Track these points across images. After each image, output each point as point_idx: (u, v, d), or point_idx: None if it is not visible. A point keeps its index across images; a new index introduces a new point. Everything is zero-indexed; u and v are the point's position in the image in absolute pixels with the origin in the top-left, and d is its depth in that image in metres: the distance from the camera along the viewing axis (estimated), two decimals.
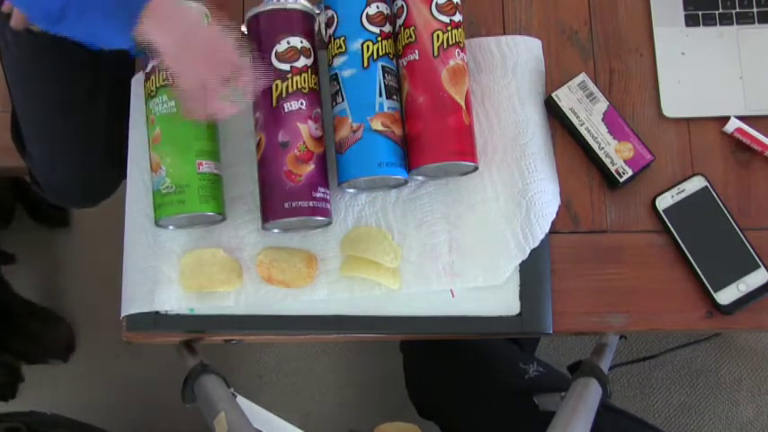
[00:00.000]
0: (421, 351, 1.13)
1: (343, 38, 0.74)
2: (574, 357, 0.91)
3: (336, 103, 0.74)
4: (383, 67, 0.74)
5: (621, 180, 0.78)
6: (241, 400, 0.82)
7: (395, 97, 0.74)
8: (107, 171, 1.08)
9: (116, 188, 1.14)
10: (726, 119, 0.80)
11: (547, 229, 0.77)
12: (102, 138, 1.05)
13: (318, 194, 0.73)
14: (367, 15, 0.74)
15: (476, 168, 0.75)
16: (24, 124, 1.04)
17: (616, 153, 0.78)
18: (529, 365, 1.02)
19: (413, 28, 0.74)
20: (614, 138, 0.78)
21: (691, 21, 0.83)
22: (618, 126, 0.79)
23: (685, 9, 0.83)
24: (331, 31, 0.75)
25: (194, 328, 0.77)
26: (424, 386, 1.11)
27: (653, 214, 0.79)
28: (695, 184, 0.79)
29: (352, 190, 0.77)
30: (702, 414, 1.53)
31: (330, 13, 0.75)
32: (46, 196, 1.12)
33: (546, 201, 0.77)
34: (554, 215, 0.78)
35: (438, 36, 0.74)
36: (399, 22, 0.75)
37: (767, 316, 0.77)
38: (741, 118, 0.80)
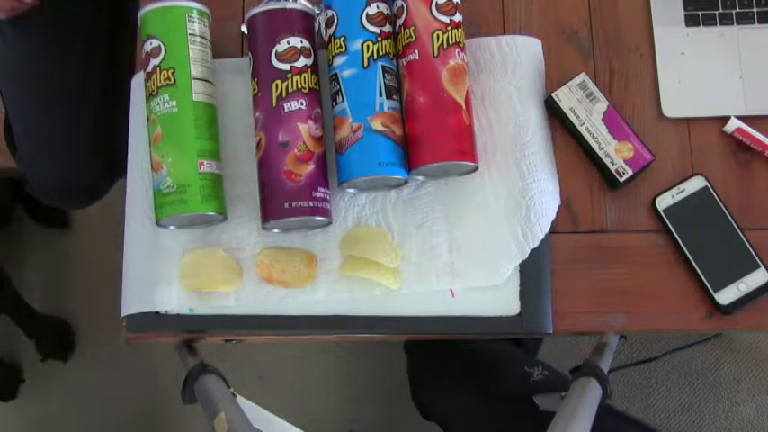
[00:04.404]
0: (424, 352, 1.13)
1: (343, 38, 0.74)
2: (574, 357, 0.91)
3: (336, 103, 0.74)
4: (383, 67, 0.74)
5: (621, 180, 0.78)
6: (241, 400, 0.82)
7: (395, 97, 0.74)
8: (95, 172, 1.07)
9: (107, 191, 1.14)
10: (726, 119, 0.80)
11: (547, 229, 0.76)
12: (90, 138, 1.04)
13: (318, 194, 0.73)
14: (367, 15, 0.74)
15: (476, 168, 0.75)
16: (14, 122, 1.04)
17: (616, 153, 0.78)
18: (533, 368, 1.02)
19: (413, 28, 0.74)
20: (614, 138, 0.78)
21: (691, 21, 0.83)
22: (618, 126, 0.79)
23: (685, 9, 0.83)
24: (331, 31, 0.75)
25: (194, 328, 0.77)
26: (426, 387, 1.11)
27: (653, 214, 0.79)
28: (695, 184, 0.79)
29: (352, 190, 0.77)
30: (702, 414, 1.53)
31: (330, 13, 0.75)
32: (38, 197, 1.12)
33: (546, 201, 0.77)
34: (554, 215, 0.78)
35: (438, 36, 0.74)
36: (399, 22, 0.75)
37: (767, 316, 0.77)
38: (741, 118, 0.80)
